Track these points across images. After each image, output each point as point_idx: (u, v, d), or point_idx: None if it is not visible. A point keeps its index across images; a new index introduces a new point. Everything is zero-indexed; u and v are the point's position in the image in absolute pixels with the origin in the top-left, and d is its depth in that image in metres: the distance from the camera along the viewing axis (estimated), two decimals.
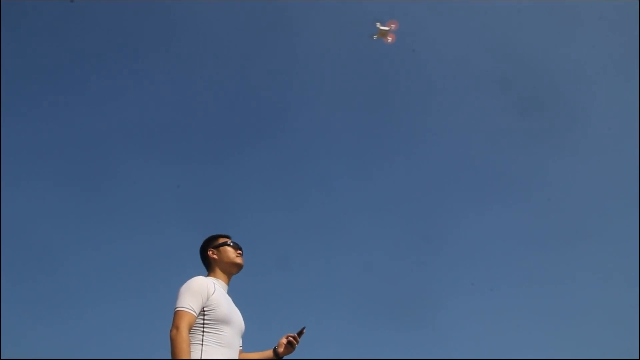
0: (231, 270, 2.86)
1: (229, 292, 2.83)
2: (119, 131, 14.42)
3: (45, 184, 12.99)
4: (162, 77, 15.12)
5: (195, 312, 2.57)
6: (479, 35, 13.93)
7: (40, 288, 11.41)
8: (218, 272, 2.84)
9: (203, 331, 2.58)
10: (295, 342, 2.88)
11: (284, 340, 2.89)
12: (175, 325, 2.50)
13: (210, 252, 2.88)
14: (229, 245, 2.89)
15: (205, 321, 2.60)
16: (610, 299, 11.33)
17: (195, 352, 2.51)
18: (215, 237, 2.95)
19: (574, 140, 13.40)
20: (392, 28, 9.45)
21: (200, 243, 2.97)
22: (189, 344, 2.49)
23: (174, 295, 2.65)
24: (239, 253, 2.90)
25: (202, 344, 2.55)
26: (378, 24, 9.45)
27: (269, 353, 2.91)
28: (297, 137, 15.46)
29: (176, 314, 2.55)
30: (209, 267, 2.88)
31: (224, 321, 2.62)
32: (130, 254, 12.67)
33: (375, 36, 9.55)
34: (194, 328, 2.57)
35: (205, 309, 2.61)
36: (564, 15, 13.29)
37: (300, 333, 2.89)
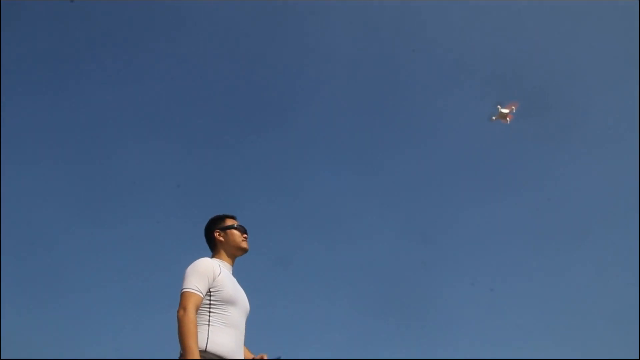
0: (236, 254, 2.88)
1: (234, 273, 2.85)
2: (120, 120, 14.47)
3: (45, 181, 13.00)
4: (165, 69, 15.16)
5: (201, 293, 2.59)
6: (479, 35, 13.98)
7: (41, 288, 11.41)
8: (223, 254, 2.85)
9: (209, 312, 2.60)
10: None
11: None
12: (182, 306, 2.52)
13: (217, 233, 2.89)
14: (235, 228, 2.90)
15: (212, 302, 2.62)
16: (610, 298, 11.34)
17: (202, 333, 2.53)
18: (222, 218, 2.95)
19: (574, 139, 13.46)
20: (512, 110, 9.89)
21: (200, 231, 2.96)
22: (196, 325, 2.51)
23: (174, 285, 2.66)
24: (245, 237, 2.91)
25: (208, 324, 2.57)
26: (499, 107, 10.00)
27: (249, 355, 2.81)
28: (299, 131, 15.49)
29: (183, 295, 2.56)
30: (213, 248, 2.89)
31: (229, 302, 2.65)
32: (130, 254, 12.68)
33: (494, 117, 9.97)
34: (200, 309, 2.59)
35: (211, 290, 2.63)
36: (564, 15, 13.36)
37: None
